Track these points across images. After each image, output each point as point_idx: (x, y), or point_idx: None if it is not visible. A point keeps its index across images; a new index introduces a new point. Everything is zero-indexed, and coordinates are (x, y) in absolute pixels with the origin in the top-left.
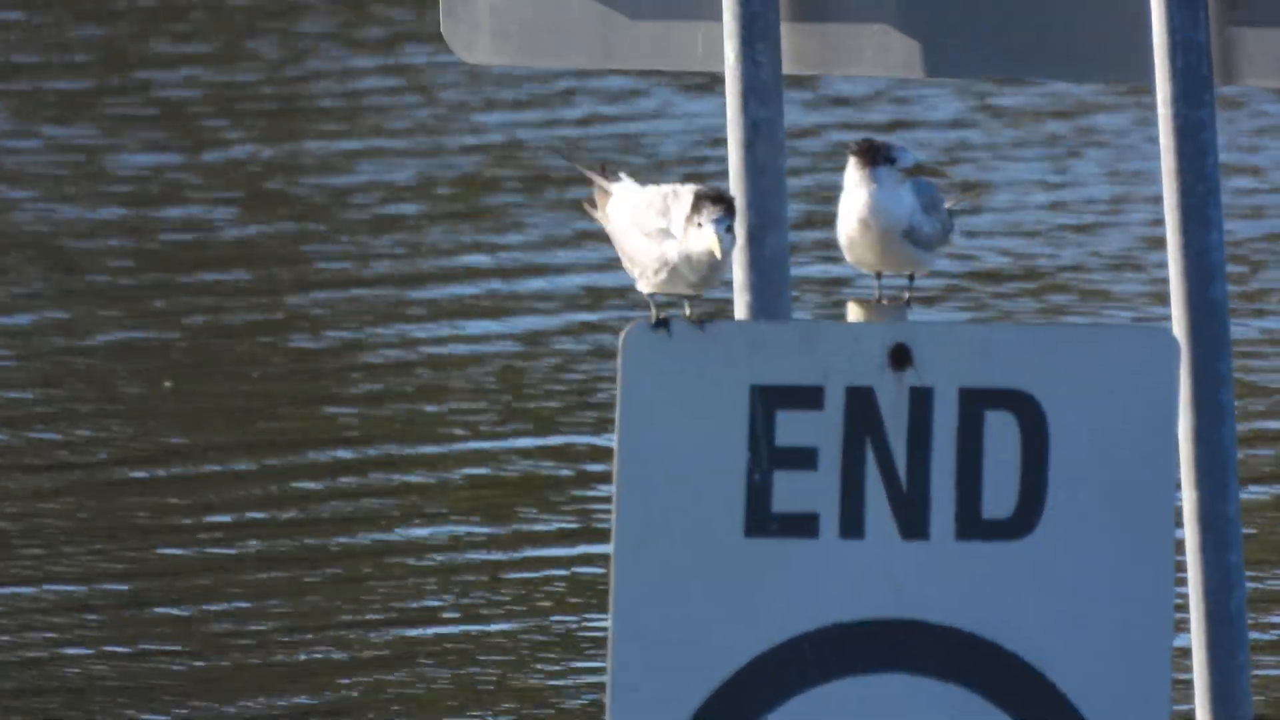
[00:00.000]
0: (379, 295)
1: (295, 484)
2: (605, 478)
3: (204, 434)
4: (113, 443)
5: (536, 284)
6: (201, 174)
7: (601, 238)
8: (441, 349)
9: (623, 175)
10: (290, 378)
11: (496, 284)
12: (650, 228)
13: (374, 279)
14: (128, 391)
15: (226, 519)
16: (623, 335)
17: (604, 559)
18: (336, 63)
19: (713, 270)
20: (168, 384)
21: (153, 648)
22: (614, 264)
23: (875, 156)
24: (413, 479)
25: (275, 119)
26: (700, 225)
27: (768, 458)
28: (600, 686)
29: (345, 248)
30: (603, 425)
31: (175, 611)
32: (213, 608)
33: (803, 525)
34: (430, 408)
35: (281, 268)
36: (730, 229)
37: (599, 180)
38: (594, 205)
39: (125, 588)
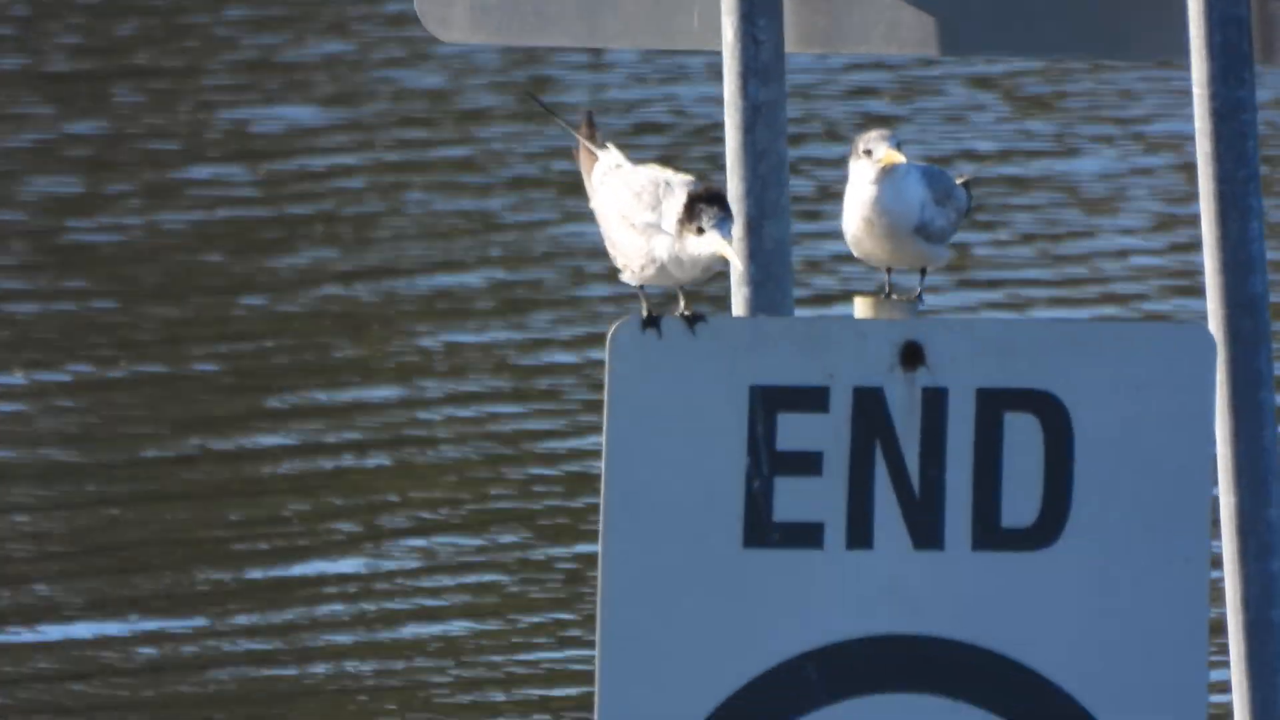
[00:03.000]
0: None
1: None
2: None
3: None
4: None
5: None
6: None
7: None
8: None
9: (610, 146)
10: None
11: None
12: (639, 221)
13: None
14: None
15: None
16: (610, 334)
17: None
18: None
19: (706, 272)
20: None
21: None
22: None
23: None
24: None
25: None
26: (702, 230)
27: (768, 463)
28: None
29: None
30: None
31: None
32: None
33: (806, 535)
34: None
35: None
36: (730, 230)
37: (584, 141)
38: (580, 163)
39: None
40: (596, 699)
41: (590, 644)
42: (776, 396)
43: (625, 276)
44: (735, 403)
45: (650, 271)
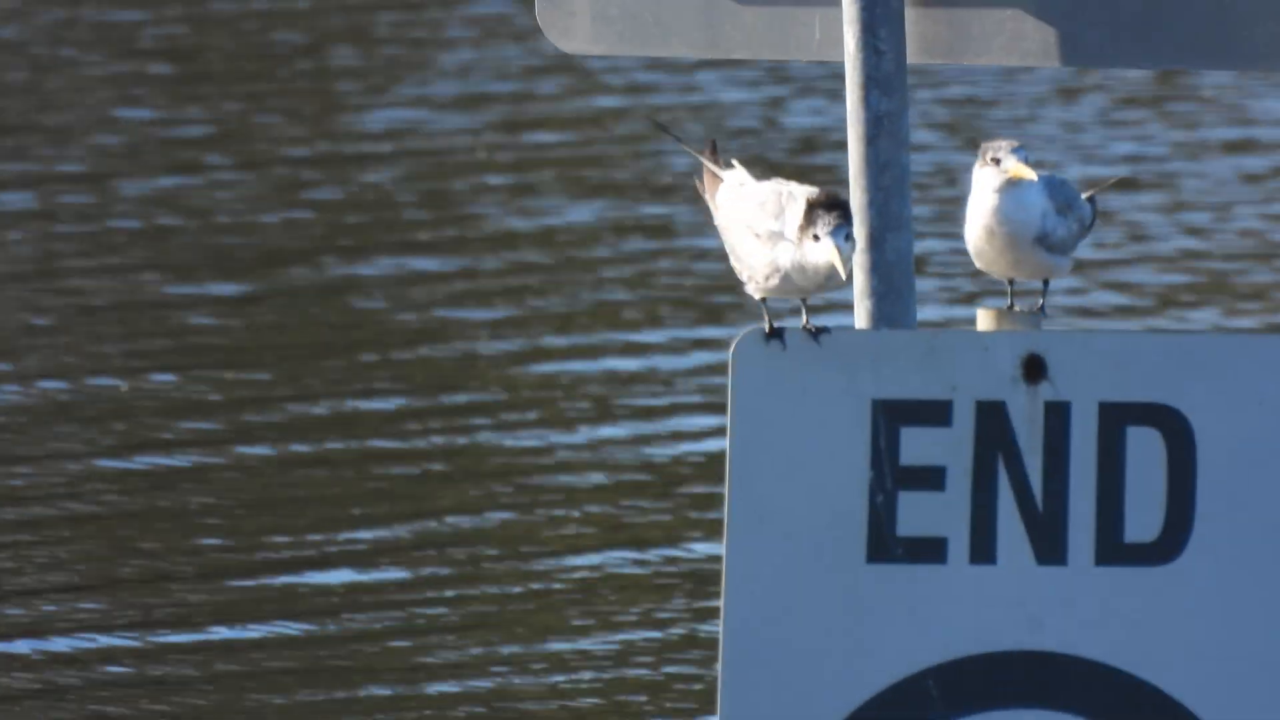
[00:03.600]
0: None
1: None
2: None
3: None
4: None
5: None
6: None
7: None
8: None
9: (735, 162)
10: None
11: None
12: (763, 230)
13: None
14: None
15: None
16: (734, 346)
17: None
18: None
19: (830, 280)
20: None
21: None
22: None
23: (1002, 156)
24: None
25: None
26: (817, 237)
27: (891, 477)
28: None
29: None
30: None
31: None
32: None
33: (930, 550)
34: None
35: None
36: (850, 237)
37: (708, 164)
38: (703, 187)
39: None
40: (719, 710)
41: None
42: (899, 410)
43: (750, 289)
44: (858, 416)
45: (775, 281)
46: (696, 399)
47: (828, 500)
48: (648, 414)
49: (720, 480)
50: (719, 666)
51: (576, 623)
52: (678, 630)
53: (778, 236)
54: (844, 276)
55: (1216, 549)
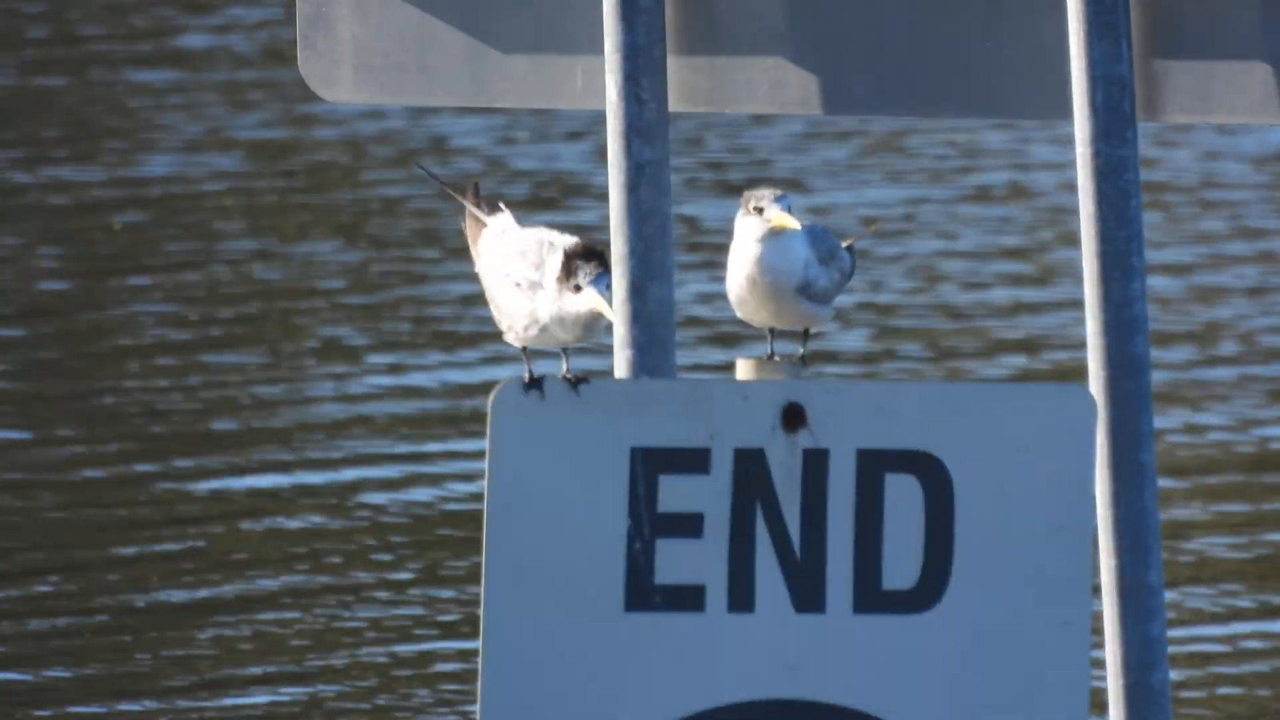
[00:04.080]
0: None
1: None
2: None
3: None
4: None
5: None
6: None
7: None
8: None
9: (503, 206)
10: None
11: None
12: (523, 279)
13: None
14: None
15: None
16: (492, 396)
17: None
18: None
19: (588, 331)
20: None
21: None
22: None
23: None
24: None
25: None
26: (578, 288)
27: (650, 525)
28: None
29: None
30: None
31: None
32: None
33: (688, 598)
34: None
35: None
36: (609, 285)
37: (471, 208)
38: (467, 231)
39: None
40: None
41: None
42: (658, 458)
43: (509, 337)
44: (617, 464)
45: (533, 331)
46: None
47: (586, 549)
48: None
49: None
50: (477, 715)
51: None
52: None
53: (537, 286)
54: (614, 321)
55: (973, 596)
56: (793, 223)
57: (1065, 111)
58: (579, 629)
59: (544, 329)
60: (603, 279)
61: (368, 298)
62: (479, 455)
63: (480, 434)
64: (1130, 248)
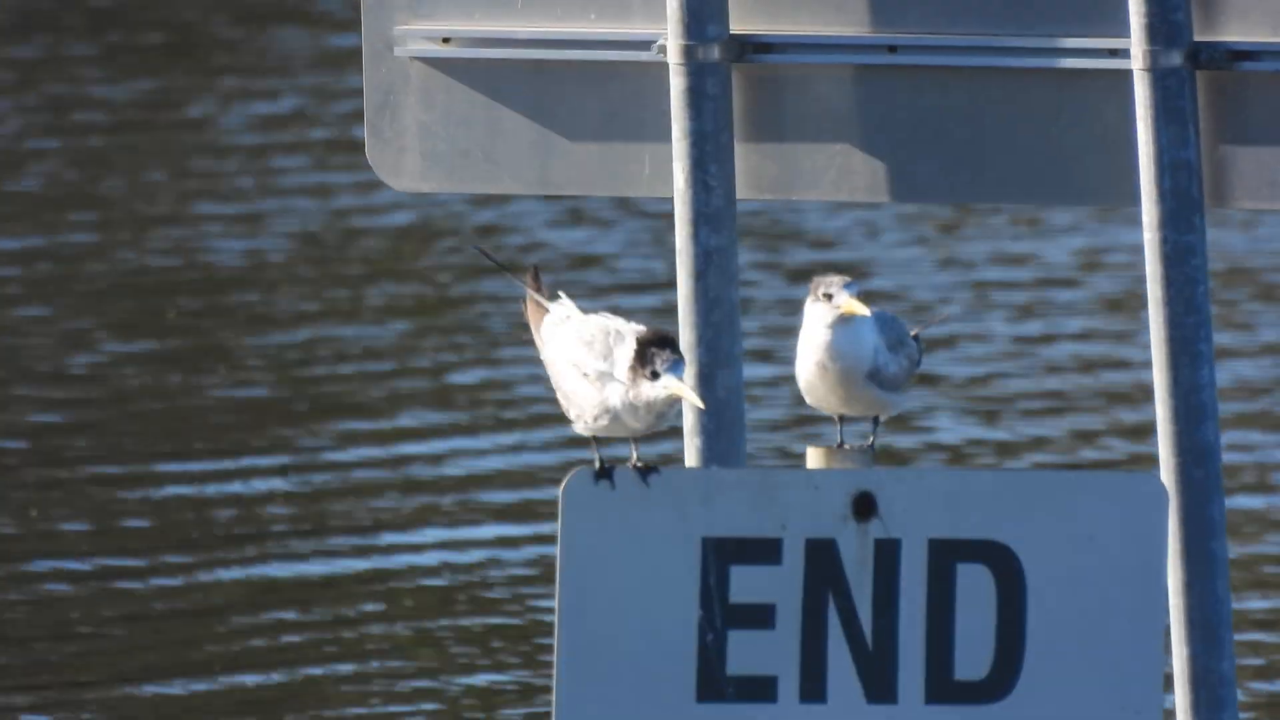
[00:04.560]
0: None
1: None
2: None
3: None
4: None
5: None
6: None
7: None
8: None
9: (562, 295)
10: None
11: None
12: (591, 370)
13: None
14: None
15: None
16: (563, 486)
17: None
18: None
19: (660, 419)
20: None
21: None
22: None
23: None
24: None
25: None
26: (655, 374)
27: (721, 616)
28: None
29: None
30: None
31: None
32: None
33: (760, 688)
34: None
35: None
36: (683, 373)
37: (532, 293)
38: (528, 316)
39: None
40: None
41: None
42: (729, 548)
43: (578, 427)
44: (688, 554)
45: (604, 421)
46: None
47: (658, 639)
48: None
49: None
50: None
51: None
52: None
53: (607, 377)
54: (699, 405)
55: (1045, 686)
56: (862, 309)
57: (1132, 198)
58: (652, 719)
59: (615, 418)
60: (679, 366)
61: None
62: None
63: None
64: (1198, 334)
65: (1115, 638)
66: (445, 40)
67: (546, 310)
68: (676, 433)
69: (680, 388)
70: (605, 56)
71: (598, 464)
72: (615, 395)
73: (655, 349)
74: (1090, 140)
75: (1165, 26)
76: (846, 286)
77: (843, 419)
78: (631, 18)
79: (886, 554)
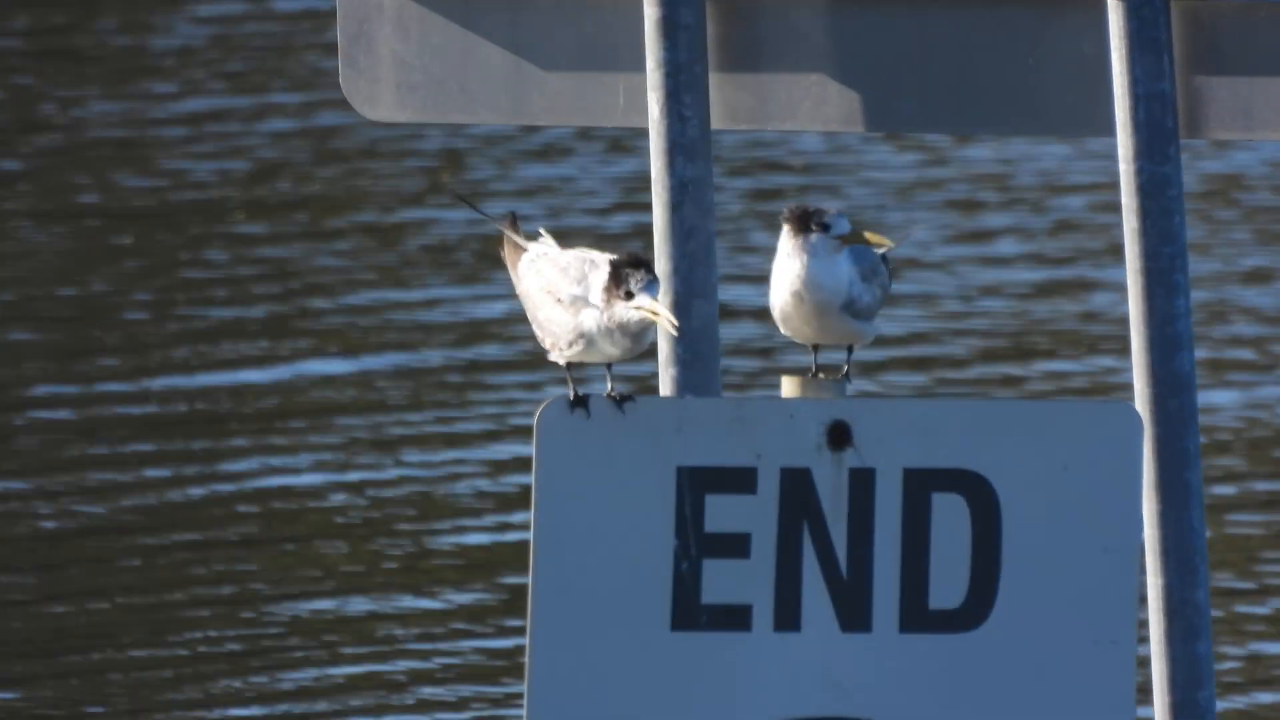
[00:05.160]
0: None
1: None
2: None
3: None
4: None
5: None
6: None
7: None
8: None
9: (543, 232)
10: None
11: None
12: (565, 295)
13: None
14: None
15: None
16: (538, 415)
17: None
18: None
19: (636, 342)
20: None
21: None
22: None
23: (808, 223)
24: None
25: None
26: (630, 294)
27: (696, 545)
28: None
29: None
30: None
31: None
32: None
33: (734, 617)
34: None
35: None
36: (659, 294)
37: (510, 234)
38: (506, 257)
39: None
40: None
41: None
42: (704, 477)
43: (553, 356)
44: (663, 483)
45: (579, 346)
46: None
47: (632, 568)
48: None
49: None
50: None
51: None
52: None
53: (581, 301)
54: (674, 324)
55: (1019, 615)
56: (658, 312)
57: (1108, 128)
58: (625, 648)
59: (590, 343)
60: (653, 286)
61: None
62: None
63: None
64: (1174, 265)
65: (1090, 567)
66: None
67: (524, 249)
68: (652, 359)
69: (655, 305)
70: None
71: (573, 393)
72: (590, 319)
73: (630, 270)
74: (1067, 71)
75: None
76: (832, 218)
77: (817, 349)
78: None
79: (861, 483)
